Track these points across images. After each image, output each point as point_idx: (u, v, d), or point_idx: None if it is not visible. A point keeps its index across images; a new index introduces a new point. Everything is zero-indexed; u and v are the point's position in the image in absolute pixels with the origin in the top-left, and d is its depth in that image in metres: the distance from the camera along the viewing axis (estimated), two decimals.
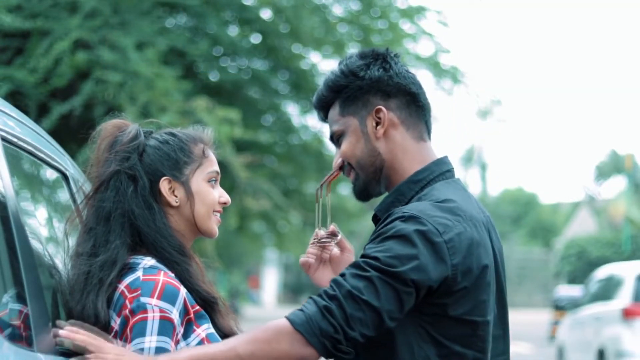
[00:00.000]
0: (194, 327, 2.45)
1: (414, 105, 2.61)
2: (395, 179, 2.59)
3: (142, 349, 2.34)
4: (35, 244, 2.56)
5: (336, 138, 2.65)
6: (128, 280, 2.44)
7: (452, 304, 2.41)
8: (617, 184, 49.96)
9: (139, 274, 2.44)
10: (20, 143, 2.66)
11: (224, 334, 2.52)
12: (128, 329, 2.38)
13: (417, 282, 2.36)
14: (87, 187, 2.71)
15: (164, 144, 2.61)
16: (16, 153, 2.66)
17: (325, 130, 15.72)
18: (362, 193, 2.63)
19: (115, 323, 2.41)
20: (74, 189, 3.08)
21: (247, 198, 13.52)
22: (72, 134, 11.63)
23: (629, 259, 41.15)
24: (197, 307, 2.48)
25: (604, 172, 51.36)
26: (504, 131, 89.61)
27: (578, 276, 43.48)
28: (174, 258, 2.51)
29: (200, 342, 2.43)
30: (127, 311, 2.39)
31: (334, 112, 2.64)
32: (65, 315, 2.53)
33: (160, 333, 2.36)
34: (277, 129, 15.16)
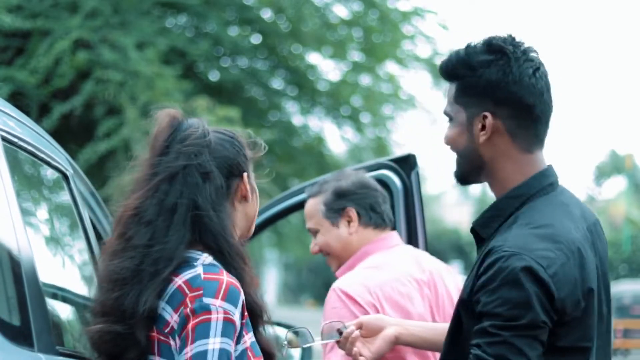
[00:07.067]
0: (243, 333, 2.41)
1: (527, 116, 2.50)
2: (495, 185, 2.55)
3: (205, 351, 2.30)
4: (35, 243, 2.56)
5: (447, 116, 2.59)
6: (187, 275, 2.37)
7: (564, 334, 2.40)
8: (617, 184, 50.00)
9: (198, 271, 2.38)
10: (21, 143, 2.66)
11: (261, 348, 2.48)
12: (189, 329, 2.32)
13: (547, 320, 2.36)
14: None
15: (235, 141, 2.57)
16: (16, 153, 2.66)
17: (325, 130, 15.63)
18: (461, 179, 2.59)
19: (172, 319, 2.35)
20: (74, 189, 3.08)
21: None
22: (72, 134, 11.64)
23: (629, 259, 41.16)
24: (246, 313, 2.43)
25: (604, 172, 51.38)
26: None
27: None
28: (233, 262, 2.46)
29: (245, 351, 2.39)
30: (187, 310, 2.33)
31: (451, 91, 2.57)
32: (94, 307, 2.45)
33: (223, 334, 2.31)
34: (278, 129, 15.15)
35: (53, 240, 3.11)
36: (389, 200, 3.46)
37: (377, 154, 14.79)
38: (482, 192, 60.59)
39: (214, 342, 2.30)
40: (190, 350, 2.30)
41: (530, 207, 2.48)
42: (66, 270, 3.21)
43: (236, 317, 2.34)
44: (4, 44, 11.34)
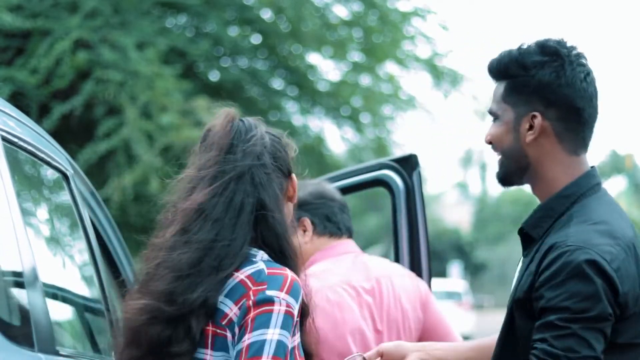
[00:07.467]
0: (296, 331, 2.41)
1: (575, 119, 2.53)
2: (540, 186, 2.56)
3: (263, 340, 2.31)
4: (35, 243, 2.56)
5: (492, 115, 2.60)
6: (249, 270, 2.39)
7: (623, 330, 2.40)
8: (617, 184, 50.04)
9: (261, 266, 2.40)
10: (21, 143, 2.66)
11: (304, 350, 2.48)
12: (250, 319, 2.33)
13: (612, 313, 2.37)
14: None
15: (283, 141, 2.60)
16: (16, 153, 2.66)
17: (325, 130, 15.62)
18: (503, 180, 2.61)
19: (231, 311, 2.35)
20: (74, 189, 3.08)
21: None
22: (72, 134, 11.64)
23: None
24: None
25: (604, 172, 51.42)
26: None
27: None
28: (291, 262, 2.47)
29: (293, 349, 2.39)
30: (250, 302, 2.34)
31: (499, 90, 2.58)
32: (136, 288, 2.42)
33: (283, 327, 2.33)
34: (278, 129, 15.13)
35: (53, 240, 3.11)
36: (347, 209, 3.51)
37: (377, 154, 14.80)
38: (482, 192, 60.62)
39: (273, 333, 2.31)
40: (248, 338, 2.31)
41: (583, 205, 2.50)
42: (66, 270, 3.21)
43: (296, 312, 2.36)
44: (4, 44, 11.34)
